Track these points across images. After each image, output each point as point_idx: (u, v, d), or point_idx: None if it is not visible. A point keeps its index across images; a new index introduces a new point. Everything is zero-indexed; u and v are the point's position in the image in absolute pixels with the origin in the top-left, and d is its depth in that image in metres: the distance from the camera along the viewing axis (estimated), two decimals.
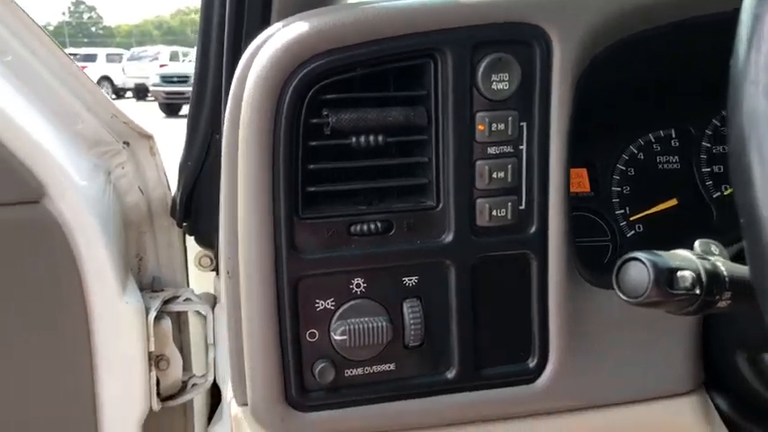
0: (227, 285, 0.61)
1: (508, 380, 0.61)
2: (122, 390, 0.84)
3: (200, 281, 1.03)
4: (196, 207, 0.91)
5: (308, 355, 0.58)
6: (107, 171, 0.87)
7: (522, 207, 0.59)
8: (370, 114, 0.57)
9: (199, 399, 1.03)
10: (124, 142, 0.87)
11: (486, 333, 0.61)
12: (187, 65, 12.78)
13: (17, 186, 0.77)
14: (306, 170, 0.56)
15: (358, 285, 0.58)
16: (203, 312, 0.95)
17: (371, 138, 0.57)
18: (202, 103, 0.81)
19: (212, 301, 0.96)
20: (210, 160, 0.86)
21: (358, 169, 0.58)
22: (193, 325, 1.01)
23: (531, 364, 0.62)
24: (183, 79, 12.43)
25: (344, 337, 0.57)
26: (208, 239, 0.95)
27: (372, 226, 0.58)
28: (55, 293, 0.80)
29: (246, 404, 0.61)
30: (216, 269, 1.03)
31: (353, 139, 0.57)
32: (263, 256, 0.56)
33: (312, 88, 0.56)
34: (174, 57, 16.13)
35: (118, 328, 0.83)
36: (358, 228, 0.58)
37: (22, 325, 0.79)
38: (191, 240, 1.00)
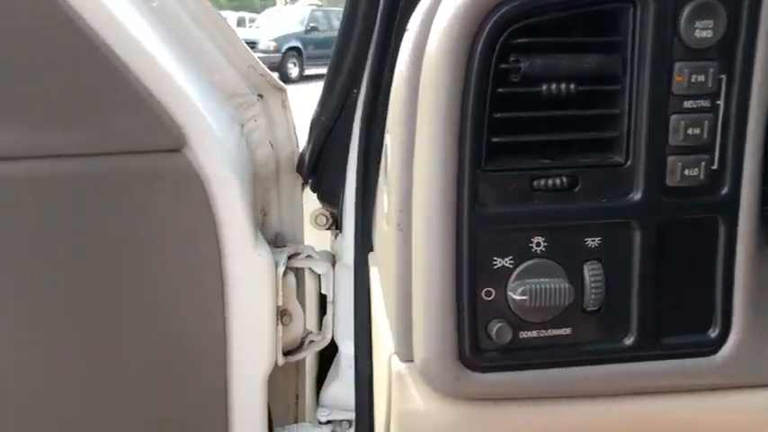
0: (396, 239, 0.59)
1: (688, 350, 0.58)
2: (251, 343, 0.84)
3: (313, 239, 1.02)
4: (323, 164, 0.89)
5: (482, 314, 0.56)
6: (240, 123, 0.87)
7: (715, 167, 0.56)
8: (564, 61, 0.54)
9: (310, 357, 1.03)
10: (258, 95, 0.86)
11: (667, 300, 0.57)
12: (254, 31, 12.82)
13: (159, 134, 0.76)
14: (492, 119, 0.54)
15: (538, 244, 0.56)
16: (323, 270, 0.94)
17: (563, 86, 0.54)
18: (344, 57, 0.79)
19: (332, 259, 0.96)
20: (344, 116, 0.84)
21: (545, 120, 0.55)
22: (308, 282, 1.00)
23: (713, 334, 0.58)
24: (250, 45, 12.36)
25: (524, 297, 0.54)
26: (331, 197, 0.94)
27: (558, 181, 0.55)
28: (190, 243, 0.80)
29: (411, 361, 0.59)
30: (330, 227, 1.02)
31: (544, 87, 0.54)
32: (445, 209, 0.54)
33: (503, 33, 0.53)
34: (240, 22, 16.11)
35: (250, 280, 0.83)
36: (542, 182, 0.55)
37: (156, 274, 0.79)
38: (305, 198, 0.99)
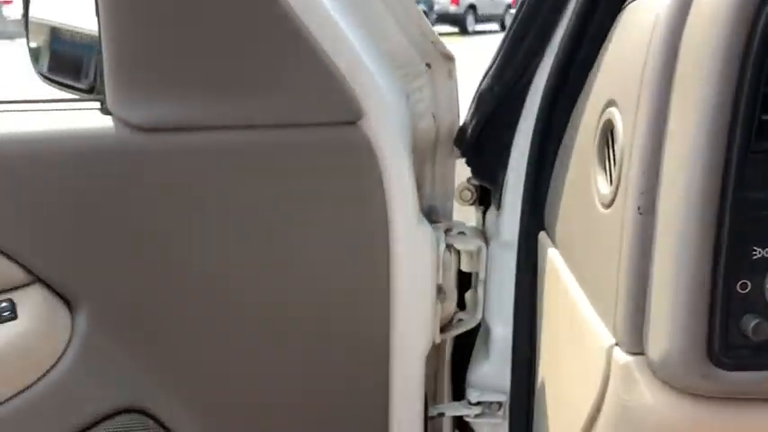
0: (632, 223, 0.55)
1: None
2: (413, 319, 0.82)
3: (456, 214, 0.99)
4: (486, 137, 0.86)
5: (736, 308, 0.52)
6: (406, 94, 0.83)
7: None
8: None
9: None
10: (426, 64, 0.83)
11: None
12: None
13: (337, 106, 0.74)
14: (765, 95, 0.49)
15: None
16: (475, 248, 0.91)
17: None
18: (534, 18, 0.74)
19: (482, 236, 0.92)
20: (520, 87, 0.80)
21: None
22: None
23: None
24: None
25: None
26: (487, 171, 0.90)
27: None
28: (360, 218, 0.78)
29: (640, 353, 0.56)
30: (474, 202, 0.99)
31: None
32: (707, 192, 0.50)
33: None
34: None
35: (414, 256, 0.81)
36: None
37: (325, 248, 0.77)
38: None
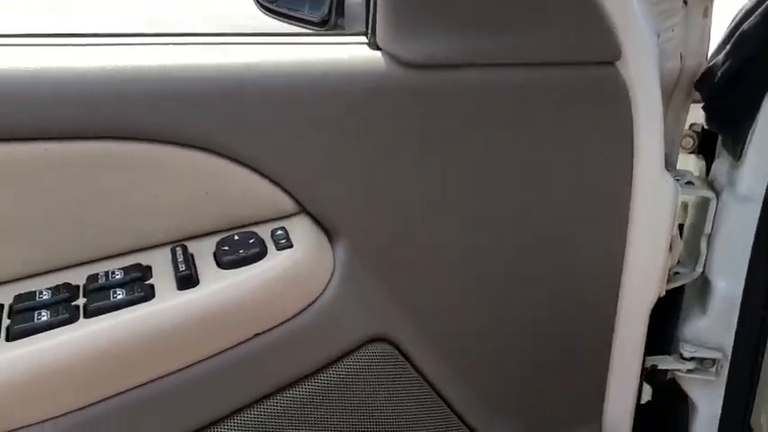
0: None
1: None
2: (645, 272, 0.80)
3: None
4: (736, 82, 0.79)
5: None
6: (657, 33, 0.78)
7: None
8: None
9: None
10: (683, 1, 0.77)
11: None
12: None
13: (597, 45, 0.70)
14: None
15: None
16: (703, 199, 0.86)
17: None
18: None
19: (711, 187, 0.87)
20: None
21: None
22: None
23: None
24: None
25: None
26: (725, 119, 0.84)
27: None
28: (603, 162, 0.75)
29: None
30: (693, 151, 0.93)
31: None
32: None
33: None
34: None
35: (655, 205, 0.77)
36: None
37: (565, 192, 0.75)
38: None
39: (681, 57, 0.80)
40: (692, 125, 0.92)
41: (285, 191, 0.67)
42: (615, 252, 0.78)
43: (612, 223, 0.77)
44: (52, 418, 0.60)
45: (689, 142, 0.92)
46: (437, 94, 0.67)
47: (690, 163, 0.94)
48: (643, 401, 0.91)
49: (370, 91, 0.66)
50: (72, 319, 0.61)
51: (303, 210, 0.69)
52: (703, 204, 0.90)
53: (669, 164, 0.88)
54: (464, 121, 0.68)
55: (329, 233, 0.70)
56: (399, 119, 0.67)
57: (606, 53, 0.70)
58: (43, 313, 0.61)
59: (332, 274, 0.69)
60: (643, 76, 0.72)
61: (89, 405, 0.61)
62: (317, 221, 0.69)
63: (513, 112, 0.70)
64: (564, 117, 0.71)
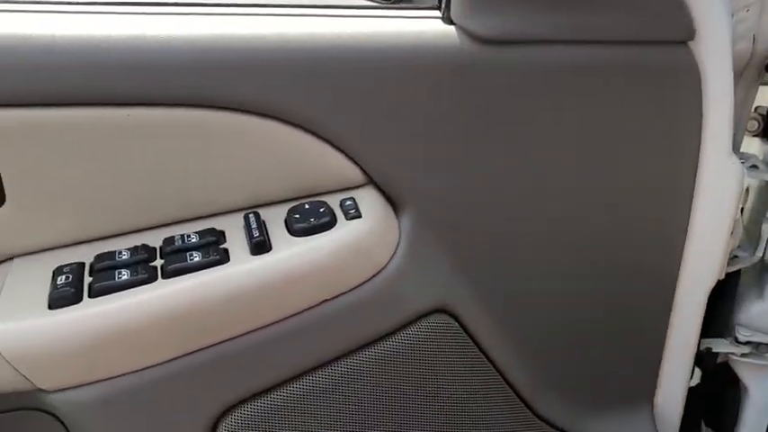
0: None
1: None
2: (706, 255, 0.80)
3: None
4: None
5: None
6: (731, 13, 0.76)
7: None
8: None
9: None
10: None
11: None
12: None
13: (672, 24, 0.69)
14: None
15: None
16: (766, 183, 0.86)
17: None
18: None
19: None
20: None
21: None
22: None
23: None
24: None
25: None
26: None
27: None
28: (671, 142, 0.74)
29: None
30: (758, 134, 0.92)
31: None
32: None
33: None
34: None
35: (720, 188, 0.77)
36: None
37: (635, 170, 0.75)
38: None
39: (753, 39, 0.79)
40: (756, 108, 0.91)
41: (355, 162, 0.68)
42: (678, 233, 0.78)
43: (676, 204, 0.77)
44: (131, 372, 0.63)
45: (753, 125, 0.91)
46: (510, 71, 0.67)
47: (753, 146, 0.93)
48: (692, 384, 0.92)
49: (442, 66, 0.66)
50: (150, 279, 0.63)
51: (371, 181, 0.70)
52: (765, 188, 0.90)
53: (734, 146, 0.88)
54: (535, 98, 0.69)
55: (395, 204, 0.71)
56: (471, 94, 0.67)
57: (680, 32, 0.69)
58: (123, 272, 0.63)
59: (397, 246, 0.70)
60: (716, 56, 0.71)
61: (166, 361, 0.63)
62: (383, 193, 0.70)
63: (585, 90, 0.70)
64: (635, 95, 0.71)
